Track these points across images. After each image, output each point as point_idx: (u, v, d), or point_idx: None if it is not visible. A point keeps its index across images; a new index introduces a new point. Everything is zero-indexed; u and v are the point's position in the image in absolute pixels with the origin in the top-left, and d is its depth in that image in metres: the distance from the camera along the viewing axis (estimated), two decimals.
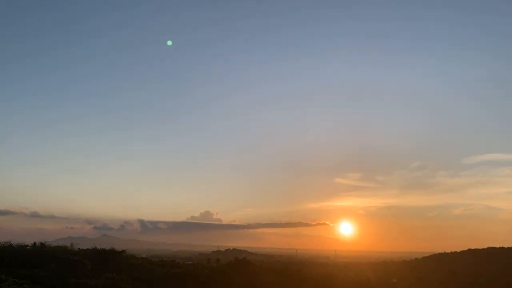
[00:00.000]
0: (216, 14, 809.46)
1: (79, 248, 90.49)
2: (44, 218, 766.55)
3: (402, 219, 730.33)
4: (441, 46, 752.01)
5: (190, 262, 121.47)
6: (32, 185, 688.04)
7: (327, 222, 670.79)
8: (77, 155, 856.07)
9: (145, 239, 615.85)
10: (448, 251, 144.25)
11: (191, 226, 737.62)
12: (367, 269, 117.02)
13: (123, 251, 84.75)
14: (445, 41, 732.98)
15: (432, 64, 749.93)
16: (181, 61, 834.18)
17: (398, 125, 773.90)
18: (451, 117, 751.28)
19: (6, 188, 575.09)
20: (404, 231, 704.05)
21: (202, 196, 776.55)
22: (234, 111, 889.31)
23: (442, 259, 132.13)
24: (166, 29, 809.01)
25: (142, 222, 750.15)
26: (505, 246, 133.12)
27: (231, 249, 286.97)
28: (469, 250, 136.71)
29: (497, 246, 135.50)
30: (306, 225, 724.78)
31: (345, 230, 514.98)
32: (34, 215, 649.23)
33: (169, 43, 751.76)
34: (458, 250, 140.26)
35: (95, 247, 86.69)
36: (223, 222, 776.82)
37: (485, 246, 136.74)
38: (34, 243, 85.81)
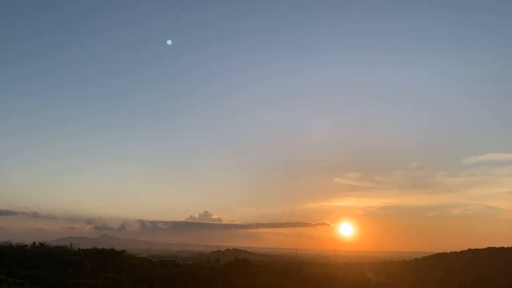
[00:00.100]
0: (216, 14, 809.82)
1: (79, 248, 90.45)
2: (44, 218, 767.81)
3: (401, 219, 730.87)
4: (441, 46, 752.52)
5: (190, 262, 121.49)
6: (32, 185, 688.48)
7: (327, 222, 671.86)
8: (77, 155, 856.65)
9: (145, 239, 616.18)
10: (448, 251, 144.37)
11: (191, 226, 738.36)
12: (367, 269, 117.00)
13: (123, 251, 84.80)
14: (445, 41, 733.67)
15: (432, 64, 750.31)
16: (181, 61, 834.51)
17: (398, 125, 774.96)
18: (450, 117, 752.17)
19: (6, 188, 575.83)
20: (404, 231, 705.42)
21: (202, 196, 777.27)
22: (234, 111, 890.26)
23: (441, 259, 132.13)
24: (166, 29, 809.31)
25: (142, 222, 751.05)
26: (505, 246, 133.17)
27: (231, 249, 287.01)
28: (469, 250, 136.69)
29: (497, 246, 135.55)
30: (306, 225, 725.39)
31: (345, 230, 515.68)
32: (34, 215, 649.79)
33: (169, 42, 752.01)
34: (458, 250, 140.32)
35: (95, 247, 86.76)
36: (223, 222, 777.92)
37: (485, 246, 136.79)
38: (34, 243, 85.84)
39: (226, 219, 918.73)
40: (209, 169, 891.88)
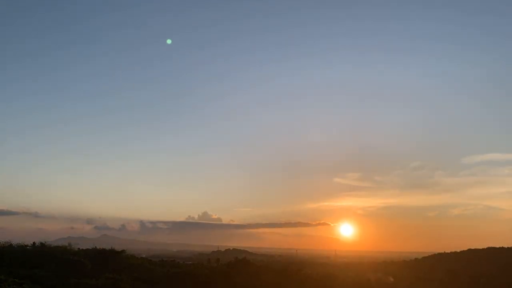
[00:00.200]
0: (216, 14, 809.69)
1: (79, 248, 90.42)
2: (44, 218, 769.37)
3: (401, 219, 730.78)
4: (441, 46, 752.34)
5: (190, 262, 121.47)
6: (32, 185, 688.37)
7: (328, 222, 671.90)
8: (77, 155, 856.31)
9: (145, 239, 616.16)
10: (447, 251, 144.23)
11: (191, 226, 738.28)
12: (367, 269, 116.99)
13: (123, 251, 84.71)
14: (445, 41, 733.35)
15: (432, 64, 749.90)
16: (181, 61, 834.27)
17: (398, 125, 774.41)
18: (450, 117, 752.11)
19: (6, 188, 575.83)
20: (403, 231, 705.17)
21: (202, 196, 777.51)
22: (234, 111, 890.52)
23: (441, 259, 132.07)
24: (166, 29, 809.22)
25: (142, 222, 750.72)
26: (505, 246, 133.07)
27: (231, 249, 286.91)
28: (469, 250, 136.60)
29: (497, 246, 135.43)
30: (306, 225, 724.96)
31: (345, 230, 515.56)
32: (34, 215, 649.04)
33: (169, 41, 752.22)
34: (458, 250, 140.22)
35: (95, 247, 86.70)
36: (223, 222, 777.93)
37: (485, 246, 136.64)
38: (34, 243, 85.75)
39: (226, 219, 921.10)
40: (209, 169, 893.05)
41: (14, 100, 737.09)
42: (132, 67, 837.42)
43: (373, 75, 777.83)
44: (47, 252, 75.75)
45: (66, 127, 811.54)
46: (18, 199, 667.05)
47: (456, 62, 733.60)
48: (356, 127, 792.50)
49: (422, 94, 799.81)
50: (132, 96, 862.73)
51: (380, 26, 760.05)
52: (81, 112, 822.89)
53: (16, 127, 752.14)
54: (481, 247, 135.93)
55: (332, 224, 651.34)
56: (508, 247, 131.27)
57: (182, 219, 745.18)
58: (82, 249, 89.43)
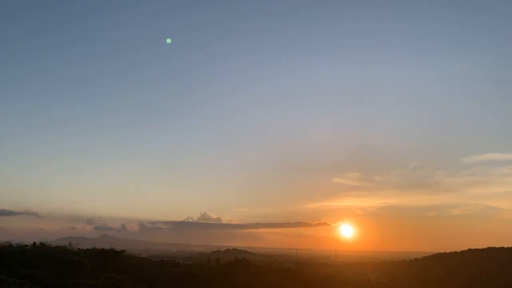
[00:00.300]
0: (216, 14, 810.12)
1: (79, 248, 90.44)
2: (44, 218, 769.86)
3: (401, 219, 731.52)
4: (441, 46, 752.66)
5: (190, 262, 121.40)
6: (32, 185, 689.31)
7: (328, 222, 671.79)
8: (77, 155, 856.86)
9: (145, 239, 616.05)
10: (447, 251, 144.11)
11: (191, 226, 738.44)
12: (368, 269, 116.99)
13: (123, 251, 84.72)
14: (445, 41, 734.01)
15: (432, 64, 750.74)
16: (181, 61, 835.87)
17: (397, 124, 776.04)
18: (450, 117, 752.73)
19: (6, 188, 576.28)
20: (403, 231, 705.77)
21: (202, 196, 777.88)
22: (234, 111, 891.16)
23: (441, 259, 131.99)
24: (166, 29, 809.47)
25: (142, 222, 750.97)
26: (505, 246, 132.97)
27: (231, 249, 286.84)
28: (469, 250, 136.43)
29: (497, 246, 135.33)
30: (306, 225, 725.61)
31: (345, 230, 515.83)
32: (34, 215, 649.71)
33: (168, 40, 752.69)
34: (458, 250, 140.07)
35: (95, 247, 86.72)
36: (223, 222, 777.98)
37: (485, 246, 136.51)
38: (34, 243, 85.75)
39: (226, 219, 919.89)
40: (209, 169, 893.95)
41: (14, 100, 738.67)
42: (132, 67, 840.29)
43: (373, 75, 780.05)
44: (47, 252, 75.75)
45: (66, 127, 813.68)
46: (18, 199, 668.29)
47: (456, 62, 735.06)
48: (356, 127, 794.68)
49: (422, 94, 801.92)
50: (132, 96, 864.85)
51: (380, 26, 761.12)
52: (81, 112, 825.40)
53: (16, 127, 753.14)
54: (481, 247, 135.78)
55: (332, 224, 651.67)
56: (508, 247, 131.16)
57: (182, 219, 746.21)
58: (82, 249, 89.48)
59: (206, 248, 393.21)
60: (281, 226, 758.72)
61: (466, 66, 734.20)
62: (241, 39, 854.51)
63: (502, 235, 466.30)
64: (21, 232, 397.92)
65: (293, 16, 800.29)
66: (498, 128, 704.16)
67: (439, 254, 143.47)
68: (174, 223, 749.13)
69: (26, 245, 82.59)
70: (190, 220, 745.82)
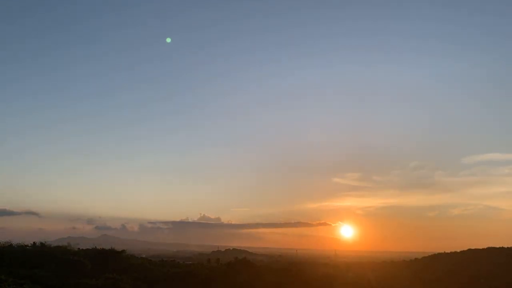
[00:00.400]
0: (216, 14, 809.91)
1: (79, 248, 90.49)
2: (44, 218, 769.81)
3: (401, 219, 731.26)
4: (441, 46, 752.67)
5: (190, 262, 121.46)
6: (32, 185, 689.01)
7: (328, 222, 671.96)
8: (77, 155, 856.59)
9: (145, 239, 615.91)
10: (447, 251, 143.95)
11: (191, 226, 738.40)
12: (368, 269, 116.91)
13: (123, 251, 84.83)
14: (445, 41, 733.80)
15: (432, 64, 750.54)
16: (181, 61, 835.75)
17: (397, 124, 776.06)
18: (450, 117, 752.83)
19: (6, 188, 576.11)
20: (403, 231, 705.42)
21: (202, 196, 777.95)
22: (234, 111, 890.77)
23: (441, 259, 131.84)
24: (166, 29, 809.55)
25: (142, 222, 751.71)
26: (505, 246, 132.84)
27: (231, 249, 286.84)
28: (469, 250, 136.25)
29: (497, 246, 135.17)
30: (306, 225, 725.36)
31: (345, 230, 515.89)
32: (34, 215, 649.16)
33: (168, 40, 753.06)
34: (458, 250, 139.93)
35: (95, 247, 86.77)
36: (223, 222, 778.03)
37: (485, 246, 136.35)
38: (34, 243, 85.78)
39: (226, 219, 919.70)
40: (209, 169, 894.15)
41: (14, 100, 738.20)
42: (132, 67, 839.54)
43: (373, 75, 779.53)
44: (47, 252, 75.79)
45: (66, 127, 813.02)
46: (18, 199, 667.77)
47: (456, 62, 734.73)
48: (356, 127, 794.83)
49: (421, 94, 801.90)
50: (132, 96, 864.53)
51: (379, 26, 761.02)
52: (81, 112, 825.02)
53: (16, 127, 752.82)
54: (481, 247, 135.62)
55: (332, 224, 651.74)
56: (508, 247, 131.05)
57: (182, 219, 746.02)
58: (82, 249, 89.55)
59: (206, 248, 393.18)
60: (281, 226, 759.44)
61: (466, 66, 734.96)
62: (241, 39, 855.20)
63: (502, 235, 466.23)
64: (21, 232, 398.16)
65: (293, 16, 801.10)
66: (498, 128, 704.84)
67: (439, 254, 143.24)
68: (174, 223, 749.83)
69: (26, 245, 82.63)
70: (190, 220, 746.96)
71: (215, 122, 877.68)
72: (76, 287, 57.19)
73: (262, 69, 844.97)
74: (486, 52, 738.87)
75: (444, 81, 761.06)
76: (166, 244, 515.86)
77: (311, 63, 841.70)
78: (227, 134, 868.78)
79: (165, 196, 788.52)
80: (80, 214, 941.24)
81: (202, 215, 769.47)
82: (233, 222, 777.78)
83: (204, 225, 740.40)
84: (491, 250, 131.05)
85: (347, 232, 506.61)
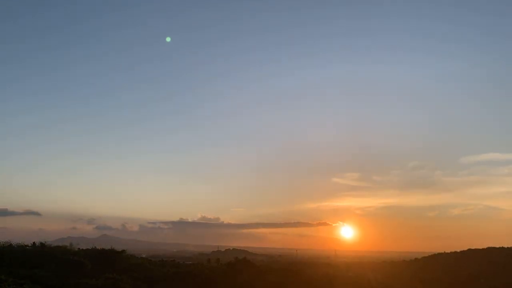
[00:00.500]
0: (216, 14, 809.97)
1: (79, 248, 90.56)
2: (44, 218, 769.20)
3: (401, 219, 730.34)
4: (441, 46, 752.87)
5: (190, 262, 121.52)
6: (32, 185, 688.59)
7: (328, 222, 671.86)
8: (77, 155, 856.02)
9: (145, 239, 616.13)
10: (447, 251, 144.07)
11: (191, 226, 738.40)
12: (368, 269, 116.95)
13: (123, 251, 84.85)
14: (445, 41, 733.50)
15: (431, 63, 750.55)
16: (181, 61, 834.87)
17: (397, 124, 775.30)
18: (450, 117, 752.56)
19: (6, 188, 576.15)
20: (403, 231, 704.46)
21: (202, 196, 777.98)
22: (233, 111, 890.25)
23: (441, 259, 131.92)
24: (166, 29, 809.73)
25: (142, 222, 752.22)
26: (505, 246, 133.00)
27: (231, 249, 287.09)
28: (469, 250, 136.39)
29: (497, 246, 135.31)
30: (306, 225, 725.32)
31: (345, 230, 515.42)
32: (34, 215, 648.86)
33: (168, 39, 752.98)
34: (458, 250, 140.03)
35: (95, 247, 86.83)
36: (223, 222, 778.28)
37: (485, 246, 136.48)
38: (34, 243, 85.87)
39: (225, 219, 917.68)
40: (209, 168, 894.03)
41: (14, 100, 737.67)
42: (132, 67, 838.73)
43: (372, 75, 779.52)
44: (47, 252, 75.83)
45: (66, 127, 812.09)
46: (18, 199, 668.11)
47: (456, 62, 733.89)
48: (355, 127, 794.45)
49: (421, 94, 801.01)
50: (131, 96, 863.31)
51: (379, 26, 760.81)
52: (81, 112, 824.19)
53: (16, 127, 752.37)
54: (481, 247, 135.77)
55: (332, 224, 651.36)
56: (508, 247, 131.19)
57: (182, 219, 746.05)
58: (82, 249, 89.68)
59: (206, 248, 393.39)
60: (281, 226, 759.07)
61: (466, 66, 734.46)
62: (241, 39, 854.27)
63: (502, 235, 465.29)
64: (21, 232, 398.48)
65: (293, 16, 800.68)
66: (498, 128, 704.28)
67: (439, 254, 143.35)
68: (174, 223, 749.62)
69: (26, 245, 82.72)
70: (190, 220, 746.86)
71: (215, 122, 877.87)
72: (76, 287, 57.20)
73: (262, 69, 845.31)
74: (486, 52, 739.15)
75: (444, 81, 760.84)
76: (166, 244, 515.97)
77: (311, 63, 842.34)
78: (227, 134, 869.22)
79: (165, 196, 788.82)
80: (80, 214, 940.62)
81: (202, 215, 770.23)
82: (233, 222, 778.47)
83: (204, 225, 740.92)
84: (491, 250, 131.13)
85: (347, 232, 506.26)
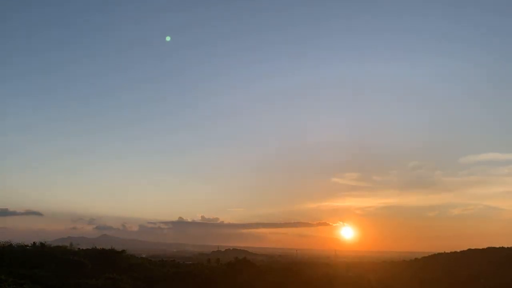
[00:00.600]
0: (216, 14, 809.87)
1: (79, 248, 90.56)
2: (44, 218, 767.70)
3: (401, 219, 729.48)
4: (441, 45, 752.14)
5: (190, 262, 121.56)
6: (32, 185, 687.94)
7: (328, 222, 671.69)
8: (77, 155, 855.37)
9: (145, 239, 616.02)
10: (447, 251, 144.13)
11: (191, 226, 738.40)
12: (368, 269, 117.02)
13: (123, 251, 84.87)
14: (445, 41, 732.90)
15: (432, 64, 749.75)
16: (180, 60, 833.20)
17: (396, 124, 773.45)
18: (450, 117, 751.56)
19: (7, 188, 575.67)
20: (403, 231, 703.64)
21: (202, 196, 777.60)
22: (233, 111, 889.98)
23: (441, 259, 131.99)
24: (165, 28, 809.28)
25: (142, 222, 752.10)
26: (505, 246, 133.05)
27: (231, 249, 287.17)
28: (469, 250, 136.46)
29: (497, 246, 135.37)
30: (306, 225, 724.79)
31: (345, 230, 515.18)
32: (34, 215, 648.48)
33: (168, 38, 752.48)
34: (458, 250, 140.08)
35: (95, 247, 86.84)
36: (223, 222, 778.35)
37: (485, 246, 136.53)
38: (34, 243, 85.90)
39: (225, 219, 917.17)
40: (209, 168, 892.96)
41: (14, 99, 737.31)
42: (132, 66, 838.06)
43: (372, 74, 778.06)
44: (47, 252, 75.87)
45: (66, 127, 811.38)
46: (18, 199, 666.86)
47: (456, 62, 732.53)
48: (355, 127, 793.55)
49: (421, 94, 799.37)
50: (131, 96, 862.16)
51: (379, 26, 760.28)
52: (81, 112, 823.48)
53: (16, 127, 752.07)
54: (481, 247, 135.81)
55: (332, 224, 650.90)
56: (508, 247, 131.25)
57: (182, 219, 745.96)
58: (82, 249, 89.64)
59: (206, 248, 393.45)
60: (281, 226, 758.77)
61: (466, 66, 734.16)
62: (241, 38, 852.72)
63: (502, 235, 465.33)
64: (21, 232, 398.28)
65: (293, 15, 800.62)
66: (498, 128, 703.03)
67: (439, 254, 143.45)
68: (174, 223, 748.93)
69: (26, 245, 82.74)
70: (190, 220, 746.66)
71: (215, 122, 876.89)
72: (76, 287, 57.23)
73: (262, 68, 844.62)
74: (486, 52, 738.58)
75: (444, 80, 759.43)
76: (166, 244, 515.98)
77: (311, 63, 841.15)
78: (227, 134, 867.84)
79: (165, 196, 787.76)
80: (80, 214, 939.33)
81: (202, 215, 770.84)
82: (233, 222, 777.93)
83: (204, 225, 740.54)
84: (491, 250, 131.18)
85: (347, 232, 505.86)
